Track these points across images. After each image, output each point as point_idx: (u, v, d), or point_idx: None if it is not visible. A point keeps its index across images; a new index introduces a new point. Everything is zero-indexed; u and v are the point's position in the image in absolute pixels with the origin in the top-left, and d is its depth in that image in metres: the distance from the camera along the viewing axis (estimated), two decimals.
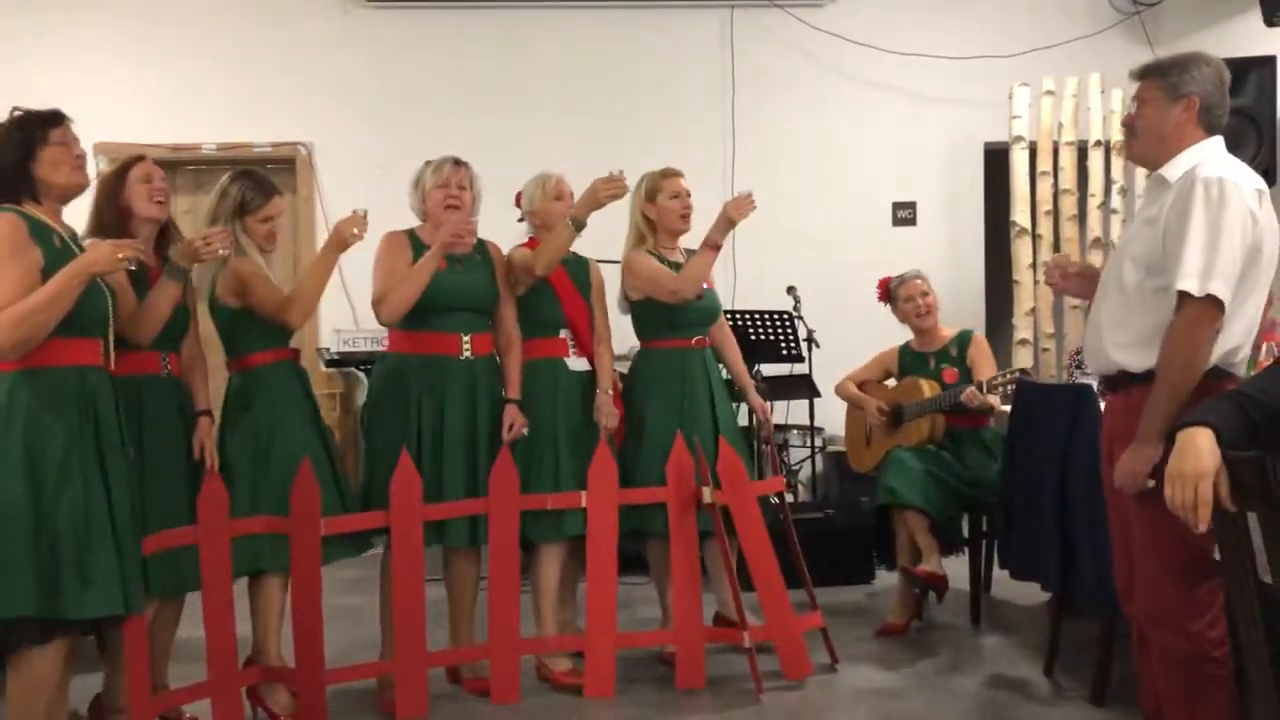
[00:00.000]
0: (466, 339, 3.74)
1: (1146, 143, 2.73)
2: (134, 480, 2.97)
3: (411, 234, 3.78)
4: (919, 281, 4.69)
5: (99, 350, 2.88)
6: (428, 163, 3.82)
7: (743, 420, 4.37)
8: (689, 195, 4.05)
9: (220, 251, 3.20)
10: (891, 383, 4.84)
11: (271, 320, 3.45)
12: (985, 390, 4.30)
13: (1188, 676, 2.55)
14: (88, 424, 2.80)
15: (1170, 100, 2.66)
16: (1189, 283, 2.45)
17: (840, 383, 4.91)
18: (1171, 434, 2.14)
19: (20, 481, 2.69)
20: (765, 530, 3.88)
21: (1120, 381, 2.70)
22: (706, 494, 3.79)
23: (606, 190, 3.74)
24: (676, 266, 4.02)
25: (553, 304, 3.90)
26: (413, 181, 3.83)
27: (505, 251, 3.92)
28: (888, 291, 4.78)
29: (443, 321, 3.71)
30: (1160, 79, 2.68)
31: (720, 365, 4.21)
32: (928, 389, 4.56)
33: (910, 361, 4.76)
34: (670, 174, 4.07)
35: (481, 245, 3.87)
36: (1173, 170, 2.64)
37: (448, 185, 3.75)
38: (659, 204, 4.03)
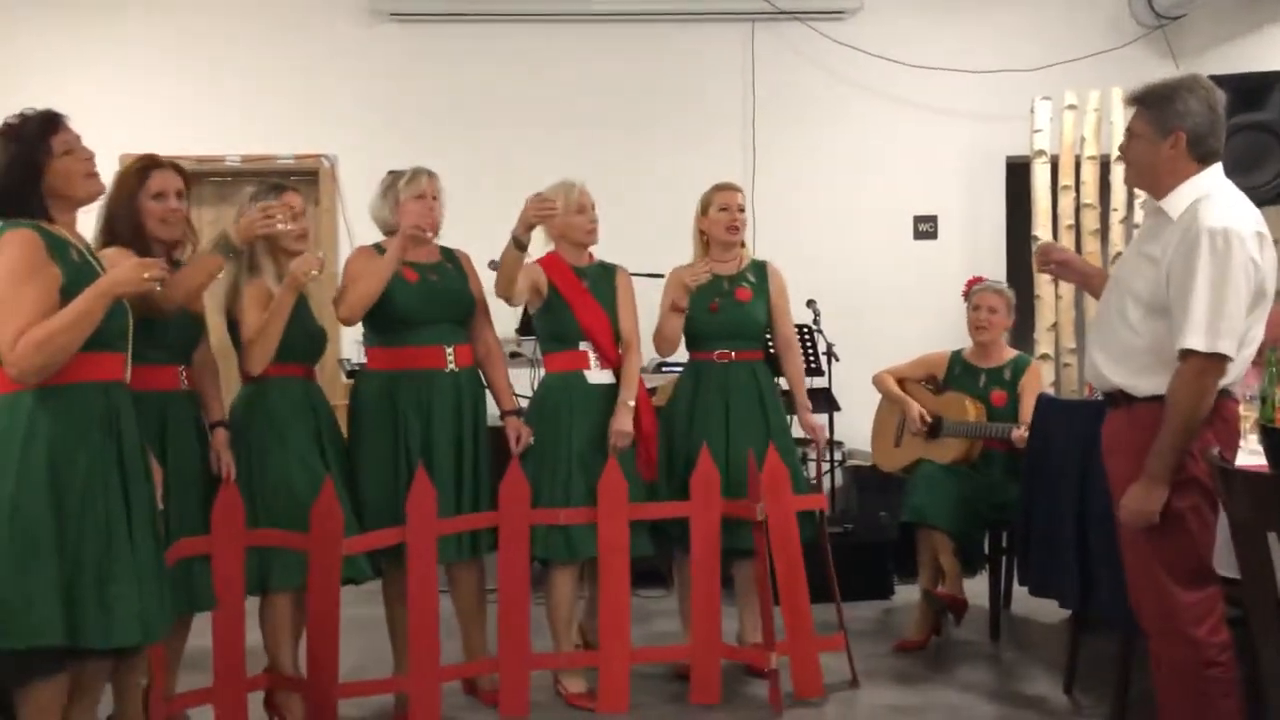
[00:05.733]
0: (450, 350, 3.70)
1: (1140, 175, 2.75)
2: (154, 500, 2.90)
3: (379, 247, 3.74)
4: (992, 295, 4.60)
5: (122, 365, 2.82)
6: (394, 173, 3.78)
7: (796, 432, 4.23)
8: (741, 210, 4.09)
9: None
10: (932, 387, 4.77)
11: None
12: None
13: (1194, 686, 2.57)
14: (110, 442, 2.73)
15: (1159, 136, 2.64)
16: (1196, 340, 2.49)
17: (880, 374, 4.80)
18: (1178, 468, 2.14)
19: (45, 506, 2.60)
20: (799, 546, 3.83)
21: (1121, 399, 2.70)
22: (759, 511, 3.72)
23: (534, 210, 3.66)
24: (723, 279, 4.04)
25: (567, 317, 3.86)
26: (380, 192, 3.78)
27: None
28: (970, 291, 4.71)
29: (424, 334, 3.67)
30: (1148, 112, 2.66)
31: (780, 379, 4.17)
32: (973, 412, 4.49)
33: (960, 372, 4.67)
34: (722, 188, 4.12)
35: (451, 255, 3.86)
36: (1173, 204, 2.63)
37: (425, 196, 3.72)
38: (710, 216, 4.08)
